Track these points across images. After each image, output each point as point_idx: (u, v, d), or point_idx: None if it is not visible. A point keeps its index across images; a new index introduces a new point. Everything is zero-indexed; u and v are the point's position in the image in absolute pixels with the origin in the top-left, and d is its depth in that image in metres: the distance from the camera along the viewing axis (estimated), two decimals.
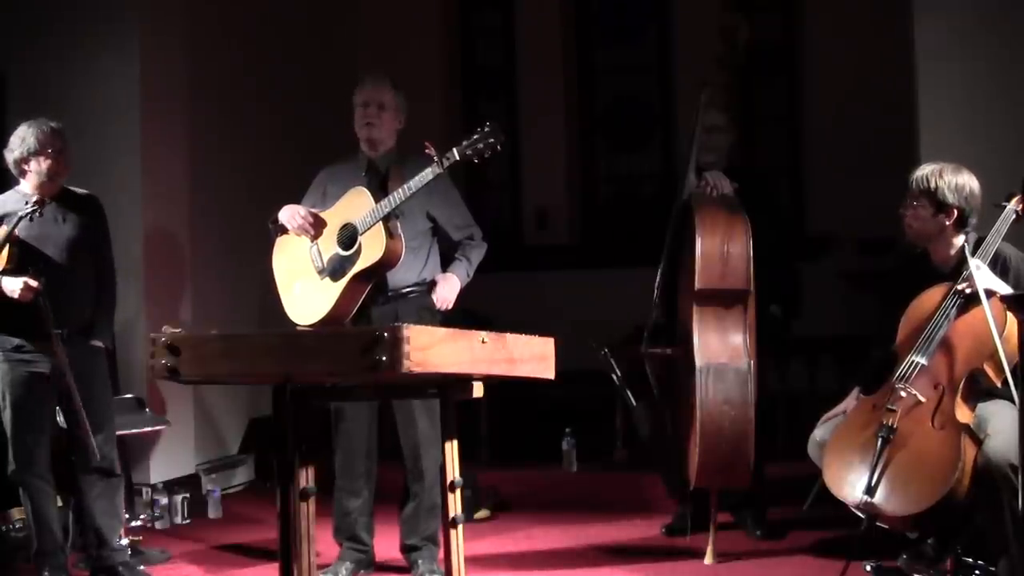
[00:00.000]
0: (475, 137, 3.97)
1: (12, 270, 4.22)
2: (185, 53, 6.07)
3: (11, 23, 5.76)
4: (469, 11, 8.66)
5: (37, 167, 4.36)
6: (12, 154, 4.38)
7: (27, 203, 4.26)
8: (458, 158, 3.98)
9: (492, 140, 3.95)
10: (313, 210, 4.34)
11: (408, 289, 4.34)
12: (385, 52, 7.62)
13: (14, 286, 4.18)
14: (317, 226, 4.28)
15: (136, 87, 5.75)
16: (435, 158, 4.01)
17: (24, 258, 4.26)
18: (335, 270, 4.21)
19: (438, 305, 4.36)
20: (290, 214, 4.33)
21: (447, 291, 4.37)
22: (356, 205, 4.20)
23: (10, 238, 4.23)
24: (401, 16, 8.09)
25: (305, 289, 4.28)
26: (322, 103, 7.21)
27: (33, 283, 4.17)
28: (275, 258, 4.44)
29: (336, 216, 4.26)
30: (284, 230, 4.38)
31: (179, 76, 6.03)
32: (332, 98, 7.23)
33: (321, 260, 4.26)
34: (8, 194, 4.44)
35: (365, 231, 4.13)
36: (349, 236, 4.19)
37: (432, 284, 4.38)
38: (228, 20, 6.56)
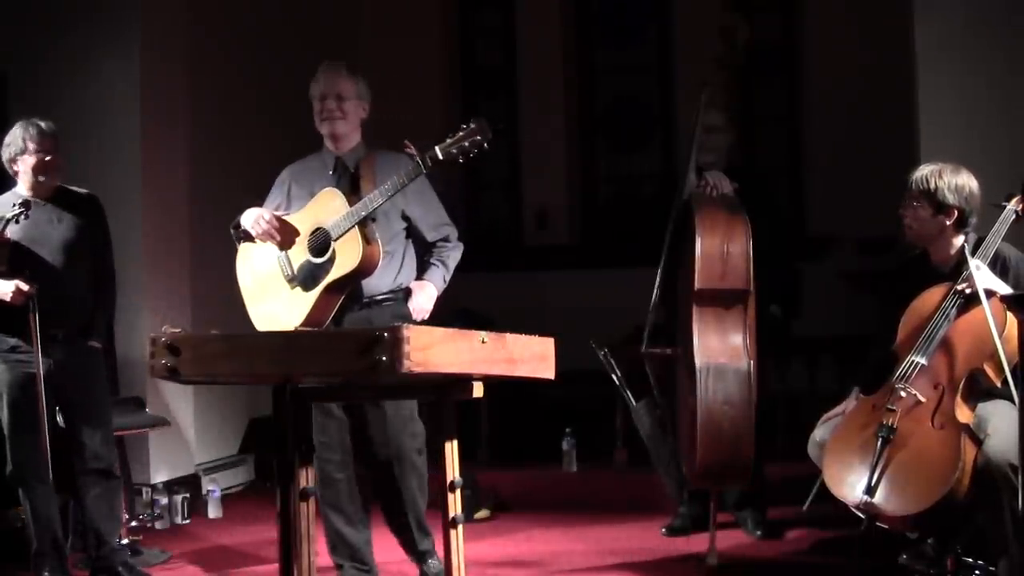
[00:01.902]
0: (460, 135, 3.66)
1: (5, 272, 4.20)
2: (185, 54, 6.07)
3: (11, 23, 5.76)
4: (469, 11, 8.65)
5: (25, 167, 4.35)
6: (4, 154, 4.39)
7: (13, 205, 4.24)
8: (441, 158, 3.68)
9: (479, 137, 3.64)
10: (279, 213, 4.03)
11: (382, 296, 4.03)
12: (385, 52, 7.62)
13: (6, 289, 4.17)
14: (284, 232, 3.95)
15: (136, 87, 5.75)
16: (416, 158, 3.75)
17: (16, 260, 4.24)
18: (307, 279, 3.90)
19: (415, 316, 4.03)
20: (254, 219, 3.99)
21: (424, 300, 4.08)
22: (328, 208, 3.88)
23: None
24: (401, 16, 8.09)
25: (274, 300, 3.99)
26: None
27: (25, 287, 4.16)
28: (239, 267, 4.13)
29: (306, 220, 3.95)
30: (249, 236, 4.05)
31: (179, 76, 6.03)
32: None
33: (291, 268, 3.95)
34: (5, 196, 4.44)
35: (339, 237, 3.82)
36: (321, 242, 3.88)
37: (408, 291, 4.09)
38: (228, 21, 6.56)
